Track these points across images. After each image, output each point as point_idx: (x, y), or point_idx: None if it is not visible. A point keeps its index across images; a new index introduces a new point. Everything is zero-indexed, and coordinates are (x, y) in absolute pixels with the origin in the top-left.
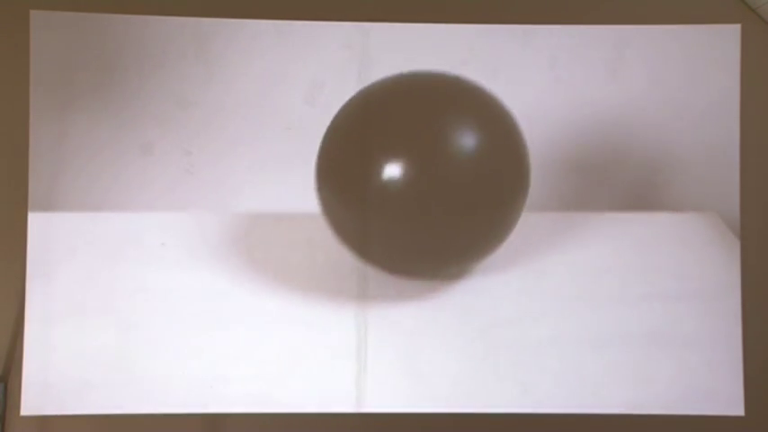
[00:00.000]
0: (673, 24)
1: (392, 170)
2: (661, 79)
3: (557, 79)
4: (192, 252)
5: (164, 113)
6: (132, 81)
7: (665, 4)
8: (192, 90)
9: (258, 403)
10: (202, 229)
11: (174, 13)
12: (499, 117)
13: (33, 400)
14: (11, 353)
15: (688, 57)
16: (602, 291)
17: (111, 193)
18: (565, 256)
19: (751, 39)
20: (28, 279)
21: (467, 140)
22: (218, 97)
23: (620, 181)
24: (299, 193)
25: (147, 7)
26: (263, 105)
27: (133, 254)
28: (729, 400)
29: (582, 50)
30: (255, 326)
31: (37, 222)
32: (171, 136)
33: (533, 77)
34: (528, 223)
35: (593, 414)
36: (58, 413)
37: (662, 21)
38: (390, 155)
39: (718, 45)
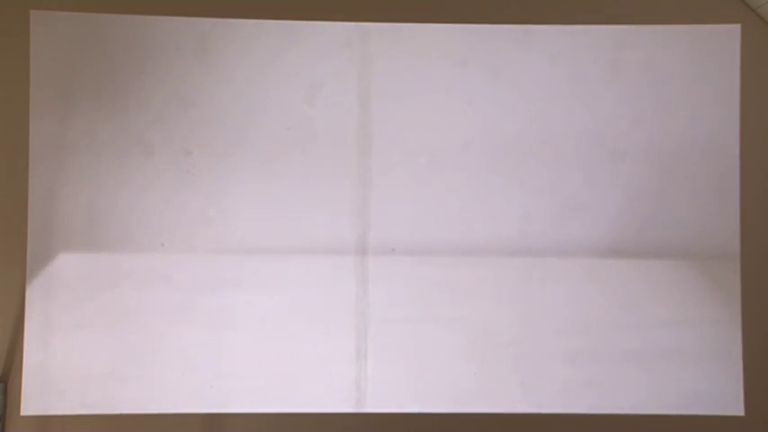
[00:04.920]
0: (673, 24)
1: None
2: (661, 79)
3: (557, 79)
4: (192, 252)
5: (164, 113)
6: (132, 81)
7: (665, 5)
8: (192, 90)
9: (258, 403)
10: (203, 229)
11: (174, 12)
12: None
13: (33, 400)
14: (11, 353)
15: (688, 57)
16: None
17: (111, 193)
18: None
19: (751, 39)
20: (28, 280)
21: None
22: (219, 97)
23: (619, 181)
24: (298, 193)
25: (147, 7)
26: (263, 105)
27: (133, 254)
28: (729, 400)
29: (582, 50)
30: (256, 326)
31: (38, 222)
32: (171, 136)
33: (533, 77)
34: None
35: (593, 414)
36: (57, 413)
37: (662, 21)
38: None
39: (718, 45)
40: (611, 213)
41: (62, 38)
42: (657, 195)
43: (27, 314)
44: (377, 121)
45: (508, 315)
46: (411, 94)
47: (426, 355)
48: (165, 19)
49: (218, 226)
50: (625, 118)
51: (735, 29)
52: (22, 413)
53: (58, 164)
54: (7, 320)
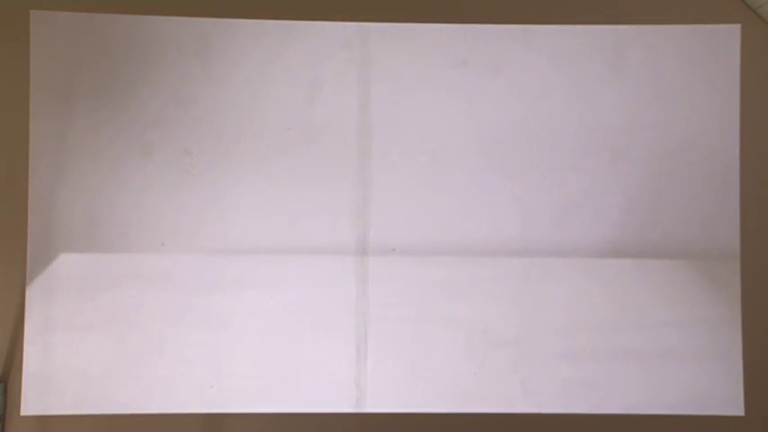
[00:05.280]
0: (673, 24)
1: None
2: (661, 79)
3: (557, 79)
4: (192, 252)
5: (164, 113)
6: (132, 81)
7: (665, 5)
8: (192, 90)
9: (258, 403)
10: (203, 229)
11: (174, 13)
12: None
13: (33, 400)
14: (11, 353)
15: (688, 56)
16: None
17: (111, 194)
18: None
19: (751, 39)
20: (28, 280)
21: None
22: (219, 97)
23: (619, 181)
24: (298, 193)
25: (148, 7)
26: (263, 105)
27: (133, 254)
28: (729, 400)
29: (582, 50)
30: (256, 326)
31: (38, 222)
32: (171, 136)
33: (533, 77)
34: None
35: (593, 414)
36: (57, 413)
37: (662, 21)
38: None
39: (718, 45)
40: (611, 213)
41: (62, 38)
42: (657, 195)
43: (27, 314)
44: (377, 121)
45: (508, 315)
46: (411, 95)
47: (426, 355)
48: (166, 19)
49: (218, 226)
50: (625, 118)
51: (735, 29)
52: (22, 413)
53: (58, 164)
54: (7, 320)
